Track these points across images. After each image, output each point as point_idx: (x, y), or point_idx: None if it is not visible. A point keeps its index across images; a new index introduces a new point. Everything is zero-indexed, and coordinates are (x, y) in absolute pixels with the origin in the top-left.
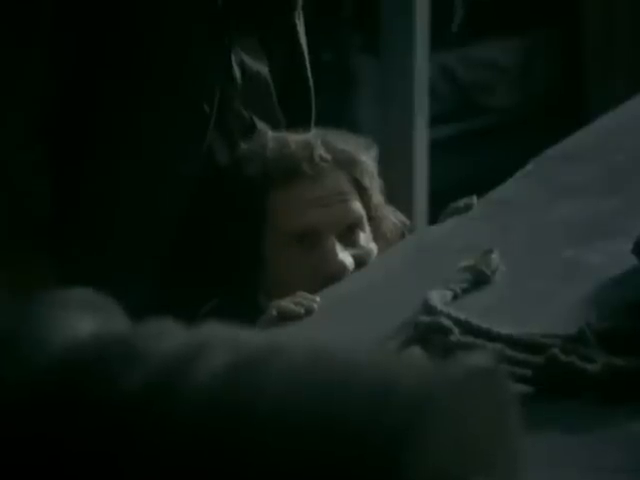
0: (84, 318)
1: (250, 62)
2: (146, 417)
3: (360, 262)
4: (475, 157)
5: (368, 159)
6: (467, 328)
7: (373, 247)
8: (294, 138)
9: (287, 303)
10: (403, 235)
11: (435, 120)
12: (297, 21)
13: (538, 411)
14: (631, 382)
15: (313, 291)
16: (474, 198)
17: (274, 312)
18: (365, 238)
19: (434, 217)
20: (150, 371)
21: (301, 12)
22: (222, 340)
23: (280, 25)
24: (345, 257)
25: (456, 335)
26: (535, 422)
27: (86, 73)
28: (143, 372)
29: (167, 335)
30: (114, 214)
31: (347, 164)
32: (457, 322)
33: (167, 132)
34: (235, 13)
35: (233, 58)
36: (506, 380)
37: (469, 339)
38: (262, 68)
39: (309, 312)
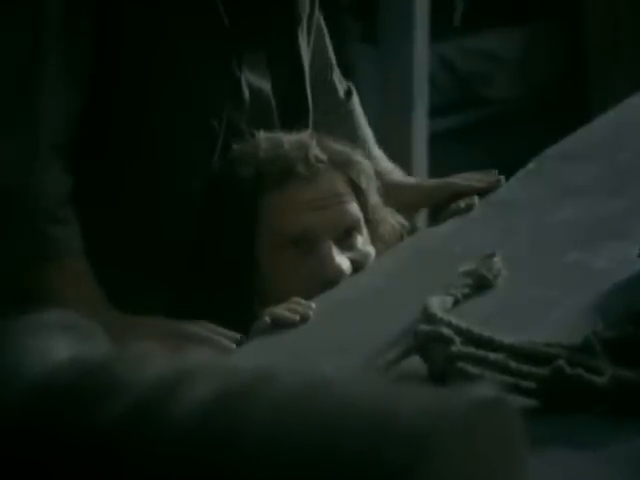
0: (61, 341)
1: (253, 79)
2: (127, 447)
3: (357, 266)
4: (475, 149)
5: (365, 159)
6: (468, 337)
7: (371, 250)
8: (288, 138)
9: (281, 310)
10: (401, 237)
11: (434, 112)
12: (300, 36)
13: (543, 426)
14: (639, 395)
15: (309, 297)
16: (475, 198)
17: (267, 319)
18: (362, 241)
19: (434, 212)
20: (132, 399)
21: (305, 27)
22: (208, 368)
23: (284, 41)
24: (342, 261)
25: (457, 345)
26: (539, 438)
27: (99, 86)
28: (124, 400)
29: (150, 361)
30: (123, 229)
31: (343, 165)
32: (458, 331)
33: (175, 148)
34: (242, 31)
35: (242, 77)
36: (512, 411)
37: (470, 349)
38: (265, 85)
39: (304, 319)
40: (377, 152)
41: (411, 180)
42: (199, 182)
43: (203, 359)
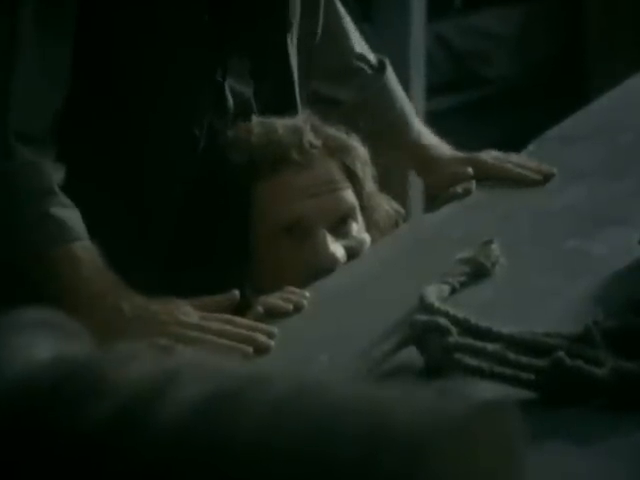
0: (44, 340)
1: (236, 85)
2: (112, 450)
3: (352, 254)
4: (472, 128)
5: (360, 145)
6: (466, 327)
7: (366, 237)
8: (281, 123)
9: (274, 299)
10: (397, 224)
11: (431, 91)
12: (289, 43)
13: (542, 419)
14: None
15: (303, 285)
16: (473, 183)
17: (260, 308)
18: (357, 228)
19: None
20: (117, 400)
21: (294, 34)
22: (197, 368)
23: (273, 48)
24: (337, 249)
25: (454, 336)
26: (538, 431)
27: (82, 84)
28: (109, 401)
29: (137, 361)
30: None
31: (338, 150)
32: (455, 321)
33: (156, 151)
34: (229, 39)
35: (226, 85)
36: (512, 414)
37: (468, 340)
38: (246, 90)
39: (298, 308)
40: (419, 126)
41: (459, 154)
42: (180, 186)
43: (192, 359)
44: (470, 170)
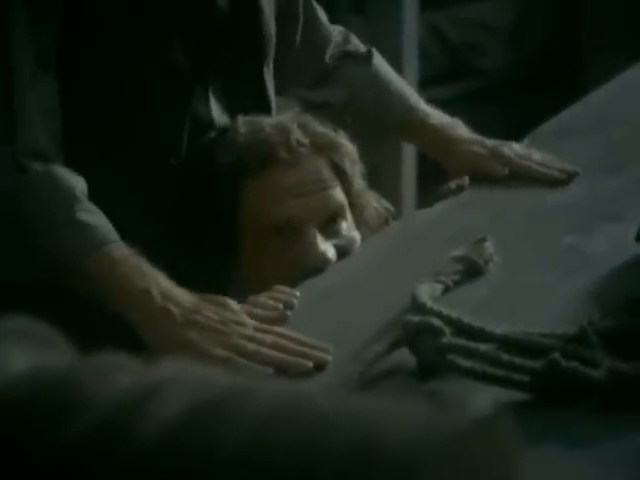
0: (21, 350)
1: (215, 112)
2: (91, 465)
3: (342, 252)
4: (466, 121)
5: (348, 142)
6: (459, 327)
7: (356, 236)
8: (268, 121)
9: (264, 299)
10: (387, 222)
11: (425, 83)
12: (266, 70)
13: (537, 421)
14: (637, 389)
15: (293, 284)
16: (466, 179)
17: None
18: (347, 226)
19: (423, 184)
20: (96, 413)
21: (270, 62)
22: (181, 380)
23: (249, 76)
24: (327, 249)
25: (447, 336)
26: (533, 433)
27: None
28: (88, 414)
29: (118, 372)
30: None
31: (326, 148)
32: (448, 321)
33: (132, 184)
34: (206, 69)
35: (203, 112)
36: (510, 429)
37: (461, 341)
38: (225, 118)
39: (288, 308)
40: (425, 107)
41: (479, 138)
42: (159, 205)
43: (176, 370)
44: (501, 168)
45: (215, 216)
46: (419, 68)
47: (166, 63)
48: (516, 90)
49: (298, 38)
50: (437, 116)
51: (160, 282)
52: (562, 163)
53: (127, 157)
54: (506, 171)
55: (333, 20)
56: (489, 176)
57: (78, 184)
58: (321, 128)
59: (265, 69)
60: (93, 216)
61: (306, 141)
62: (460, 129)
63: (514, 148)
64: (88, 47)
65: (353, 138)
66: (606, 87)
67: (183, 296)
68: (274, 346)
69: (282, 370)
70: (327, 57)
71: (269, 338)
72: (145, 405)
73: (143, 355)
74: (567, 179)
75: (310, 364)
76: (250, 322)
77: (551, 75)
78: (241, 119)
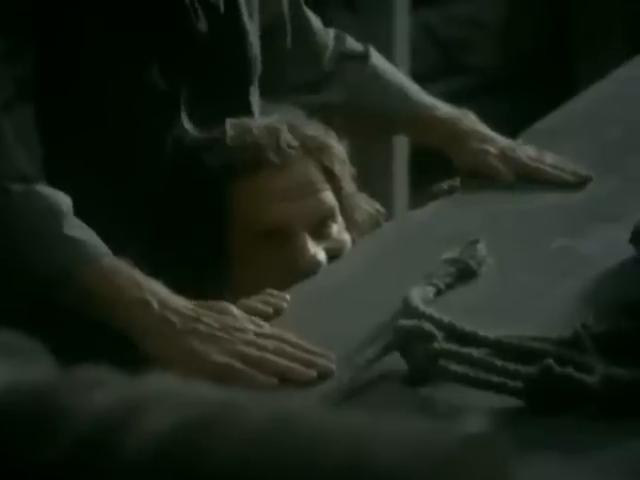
0: None
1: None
2: None
3: (333, 255)
4: None
5: (338, 144)
6: (451, 332)
7: (346, 238)
8: (257, 123)
9: (254, 302)
10: (378, 224)
11: (416, 79)
12: (252, 90)
13: (530, 427)
14: (632, 395)
15: (283, 289)
16: (459, 180)
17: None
18: (337, 229)
19: (415, 185)
20: (77, 430)
21: (257, 86)
22: (166, 395)
23: (234, 97)
24: (317, 252)
25: (439, 342)
26: (527, 440)
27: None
28: (69, 431)
29: (98, 387)
30: None
31: (316, 151)
32: (440, 325)
33: (118, 196)
34: (187, 91)
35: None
36: (503, 447)
37: (453, 346)
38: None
39: (278, 312)
40: (430, 99)
41: (490, 134)
42: (147, 212)
43: (161, 384)
44: (509, 172)
45: (204, 220)
46: (410, 65)
47: (147, 86)
48: (508, 87)
49: (289, 46)
50: (446, 109)
51: (157, 291)
52: (575, 166)
53: (112, 171)
54: (512, 177)
55: (323, 17)
56: (495, 178)
57: (64, 200)
58: (311, 130)
59: (251, 89)
60: (81, 231)
61: (296, 143)
62: (471, 122)
63: (527, 150)
64: (67, 69)
65: (343, 138)
66: (599, 86)
67: (182, 304)
68: (276, 352)
69: (285, 378)
70: (324, 63)
71: (271, 343)
72: (128, 422)
73: (137, 368)
74: (580, 183)
75: (314, 373)
76: (251, 327)
77: (542, 72)
78: (229, 122)
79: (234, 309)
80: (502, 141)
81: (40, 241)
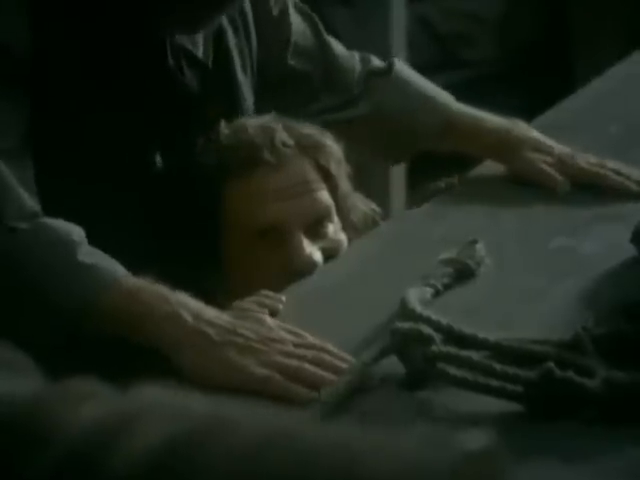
0: None
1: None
2: None
3: (329, 255)
4: None
5: (334, 143)
6: (449, 334)
7: (342, 238)
8: (252, 122)
9: (249, 303)
10: (374, 223)
11: None
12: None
13: (530, 433)
14: (634, 399)
15: (278, 290)
16: (457, 178)
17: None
18: (334, 229)
19: (412, 183)
20: (66, 446)
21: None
22: (158, 408)
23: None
24: (313, 252)
25: (437, 345)
26: (527, 445)
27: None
28: (57, 447)
29: (89, 400)
30: None
31: (312, 150)
32: (438, 327)
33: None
34: (163, 129)
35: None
36: (505, 464)
37: (452, 349)
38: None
39: (273, 313)
40: (458, 105)
41: (542, 139)
42: (142, 216)
43: (153, 397)
44: (565, 180)
45: (199, 219)
46: (407, 59)
47: (131, 133)
48: (504, 81)
49: (319, 78)
50: (494, 119)
51: (188, 303)
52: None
53: (103, 177)
54: (568, 186)
55: (319, 12)
56: (551, 186)
57: (74, 230)
58: (306, 129)
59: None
60: (96, 257)
61: (291, 142)
62: (523, 130)
63: (586, 157)
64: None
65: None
66: (595, 83)
67: (216, 315)
68: (315, 361)
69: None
70: (354, 86)
71: (310, 353)
72: (119, 435)
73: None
74: None
75: None
76: (289, 338)
77: (539, 66)
78: (224, 122)
79: (270, 319)
80: (559, 148)
81: (54, 273)
